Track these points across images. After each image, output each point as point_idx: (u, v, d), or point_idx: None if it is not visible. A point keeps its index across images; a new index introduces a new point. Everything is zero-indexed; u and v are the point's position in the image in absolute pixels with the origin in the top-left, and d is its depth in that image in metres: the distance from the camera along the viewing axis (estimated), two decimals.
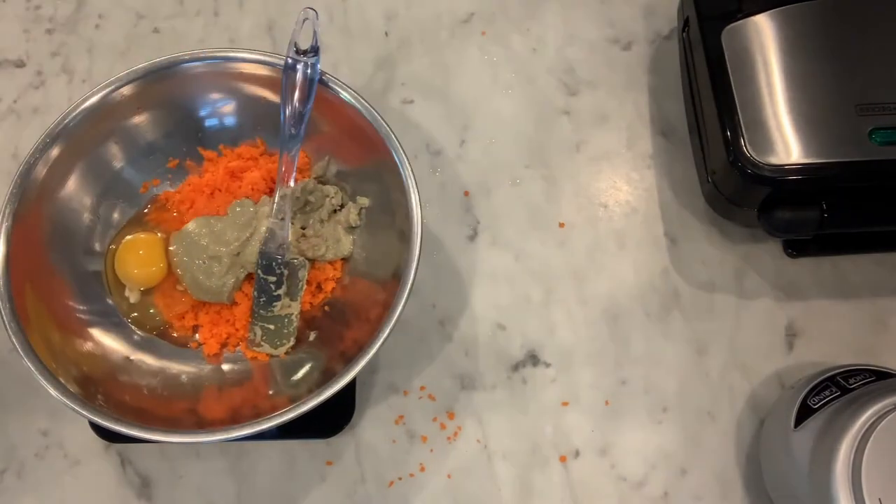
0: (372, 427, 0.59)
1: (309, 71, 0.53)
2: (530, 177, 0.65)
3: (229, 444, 0.58)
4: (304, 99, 0.53)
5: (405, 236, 0.52)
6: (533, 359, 0.60)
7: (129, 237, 0.57)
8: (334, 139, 0.57)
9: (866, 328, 0.61)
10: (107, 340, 0.55)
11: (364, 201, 0.58)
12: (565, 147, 0.66)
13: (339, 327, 0.56)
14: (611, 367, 0.60)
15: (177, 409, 0.52)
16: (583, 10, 0.69)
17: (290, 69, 0.53)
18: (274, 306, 0.55)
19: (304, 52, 0.53)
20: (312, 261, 0.57)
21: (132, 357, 0.55)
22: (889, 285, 0.62)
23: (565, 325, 0.61)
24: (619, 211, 0.64)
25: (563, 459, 0.58)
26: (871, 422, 0.46)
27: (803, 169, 0.54)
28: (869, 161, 0.54)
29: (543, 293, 0.62)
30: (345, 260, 0.58)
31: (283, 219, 0.55)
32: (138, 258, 0.56)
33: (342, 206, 0.58)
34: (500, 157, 0.65)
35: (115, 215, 0.58)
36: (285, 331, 0.56)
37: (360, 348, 0.49)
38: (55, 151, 0.53)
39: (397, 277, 0.51)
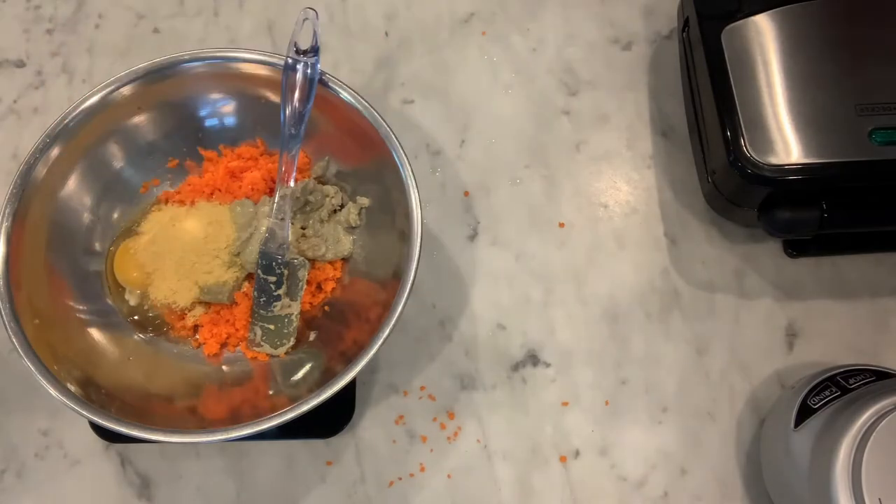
0: (372, 427, 0.59)
1: (309, 71, 0.53)
2: (530, 177, 0.65)
3: (229, 443, 0.58)
4: (304, 99, 0.53)
5: (405, 236, 0.52)
6: (533, 359, 0.60)
7: (127, 240, 0.57)
8: (334, 139, 0.57)
9: (866, 328, 0.61)
10: (106, 340, 0.55)
11: (364, 201, 0.57)
12: (565, 147, 0.66)
13: (339, 327, 0.56)
14: (611, 367, 0.60)
15: (177, 409, 0.52)
16: (583, 10, 0.69)
17: (290, 69, 0.53)
18: (274, 306, 0.55)
19: (304, 53, 0.53)
20: (312, 261, 0.57)
21: (132, 357, 0.55)
22: (889, 285, 0.62)
23: (565, 325, 0.61)
24: (619, 211, 0.64)
25: (563, 459, 0.58)
26: (871, 422, 0.46)
27: (803, 169, 0.54)
28: (869, 161, 0.54)
29: (543, 293, 0.62)
30: (345, 260, 0.58)
31: (283, 219, 0.55)
32: (136, 261, 0.56)
33: (342, 206, 0.58)
34: (500, 157, 0.65)
35: (115, 215, 0.58)
36: (285, 331, 0.56)
37: (361, 348, 0.49)
38: (55, 151, 0.53)
39: (397, 277, 0.51)
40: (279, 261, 0.55)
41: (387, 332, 0.49)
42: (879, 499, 0.45)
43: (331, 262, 0.58)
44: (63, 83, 0.68)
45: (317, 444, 0.58)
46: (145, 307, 0.57)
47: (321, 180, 0.59)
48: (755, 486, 0.57)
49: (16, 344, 0.49)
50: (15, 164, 0.65)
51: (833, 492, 0.46)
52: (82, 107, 0.54)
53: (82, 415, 0.48)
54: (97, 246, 0.57)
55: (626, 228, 0.63)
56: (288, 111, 0.53)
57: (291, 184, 0.54)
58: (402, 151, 0.52)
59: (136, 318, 0.56)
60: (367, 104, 0.54)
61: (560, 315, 0.61)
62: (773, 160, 0.54)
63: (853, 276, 0.62)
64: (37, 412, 0.59)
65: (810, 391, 0.53)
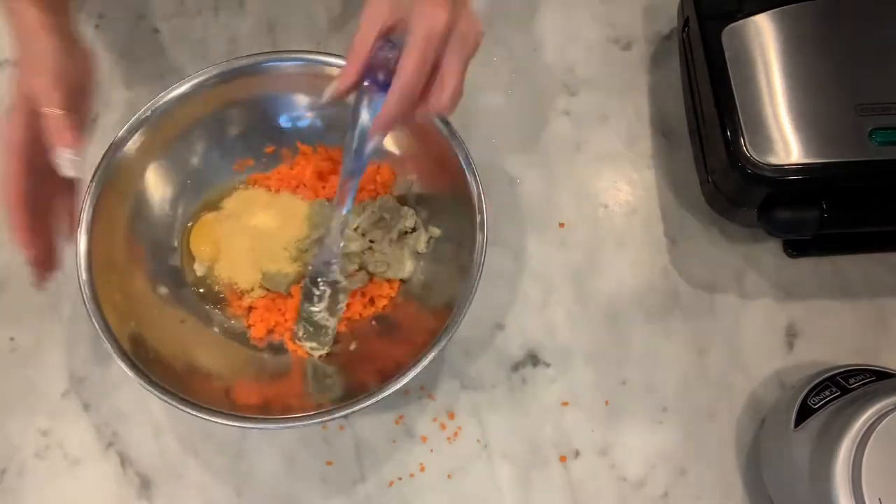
0: (372, 427, 0.59)
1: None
2: (530, 177, 0.65)
3: (229, 444, 0.58)
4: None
5: (464, 270, 0.52)
6: (533, 359, 0.60)
7: (208, 214, 0.59)
8: (419, 160, 0.59)
9: (866, 328, 0.61)
10: (167, 301, 0.57)
11: (436, 232, 0.59)
12: (565, 147, 0.66)
13: (381, 343, 0.57)
14: (611, 367, 0.60)
15: (214, 388, 0.54)
16: (583, 10, 0.69)
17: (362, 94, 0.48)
18: (313, 314, 0.56)
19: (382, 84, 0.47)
20: (372, 275, 0.58)
21: (185, 321, 0.57)
22: (889, 285, 0.62)
23: (565, 325, 0.61)
24: (619, 211, 0.64)
25: (563, 459, 0.58)
26: (871, 422, 0.46)
27: (803, 169, 0.54)
28: (869, 161, 0.54)
29: (543, 293, 0.62)
30: (402, 281, 0.59)
31: (337, 238, 0.54)
32: (212, 235, 0.58)
33: (413, 230, 0.59)
34: (499, 158, 0.65)
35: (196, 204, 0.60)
36: (323, 338, 0.57)
37: (398, 367, 0.50)
38: (139, 139, 0.55)
39: (448, 308, 0.52)
40: (325, 279, 0.55)
41: (429, 358, 0.50)
42: (879, 499, 0.45)
43: (388, 281, 0.58)
44: None
45: (317, 444, 0.58)
46: (209, 280, 0.59)
47: (401, 200, 0.59)
48: (755, 486, 0.57)
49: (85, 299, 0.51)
50: None
51: (833, 492, 0.46)
52: (171, 95, 0.55)
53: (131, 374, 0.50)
54: (176, 225, 0.59)
55: (626, 228, 0.63)
56: (356, 133, 0.48)
57: (345, 210, 0.52)
58: (480, 188, 0.53)
59: (199, 289, 0.58)
60: (454, 131, 0.54)
61: (560, 315, 0.61)
62: (773, 160, 0.54)
63: (853, 276, 0.62)
64: (37, 412, 0.59)
65: (810, 391, 0.53)
